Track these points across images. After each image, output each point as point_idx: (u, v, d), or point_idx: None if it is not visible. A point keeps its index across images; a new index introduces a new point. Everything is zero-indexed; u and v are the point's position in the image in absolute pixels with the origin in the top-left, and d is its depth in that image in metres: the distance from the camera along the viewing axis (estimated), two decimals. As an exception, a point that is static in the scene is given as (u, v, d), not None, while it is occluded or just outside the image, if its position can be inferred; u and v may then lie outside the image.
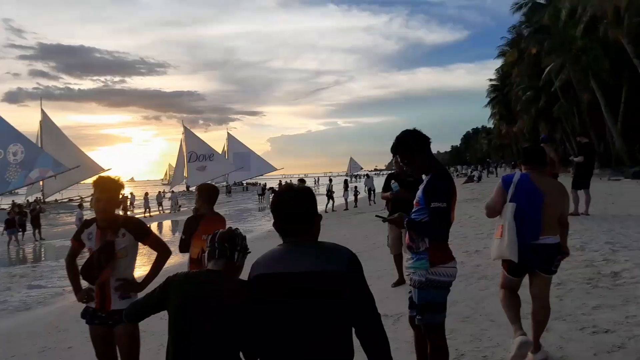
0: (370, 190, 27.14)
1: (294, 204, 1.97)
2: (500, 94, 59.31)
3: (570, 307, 4.56)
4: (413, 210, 3.16)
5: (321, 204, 28.11)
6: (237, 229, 2.31)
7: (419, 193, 3.14)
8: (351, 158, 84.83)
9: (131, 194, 38.66)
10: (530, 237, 3.40)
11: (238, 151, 78.94)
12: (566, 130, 40.86)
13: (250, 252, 2.27)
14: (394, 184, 6.51)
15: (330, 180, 28.52)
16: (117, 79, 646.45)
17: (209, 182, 8.08)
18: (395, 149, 3.22)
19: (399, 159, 3.36)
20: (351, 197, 26.69)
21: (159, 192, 38.90)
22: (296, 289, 1.84)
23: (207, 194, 4.62)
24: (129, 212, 31.86)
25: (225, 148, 77.82)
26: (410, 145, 3.12)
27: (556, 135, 42.12)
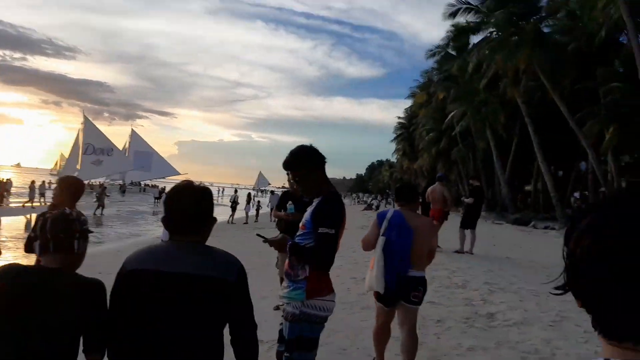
0: (273, 208, 26.77)
1: (189, 201, 1.88)
2: (406, 132, 62.58)
3: (446, 347, 4.52)
4: (298, 234, 2.89)
5: (223, 215, 27.36)
6: (71, 211, 1.91)
7: (306, 215, 2.87)
8: (260, 172, 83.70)
9: (8, 179, 34.61)
10: (399, 270, 3.57)
11: (140, 150, 74.84)
12: (461, 173, 43.87)
13: (92, 232, 2.00)
14: (290, 205, 6.21)
15: (236, 191, 27.77)
16: (17, 55, 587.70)
17: (75, 175, 6.98)
18: (288, 165, 2.91)
19: (290, 177, 3.07)
20: (253, 211, 26.14)
21: (43, 181, 35.30)
22: (175, 290, 1.73)
23: (71, 188, 3.98)
24: (4, 199, 28.49)
25: (127, 145, 73.42)
26: (305, 161, 2.86)
27: (452, 176, 45.05)
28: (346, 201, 57.78)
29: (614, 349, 0.62)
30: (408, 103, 61.94)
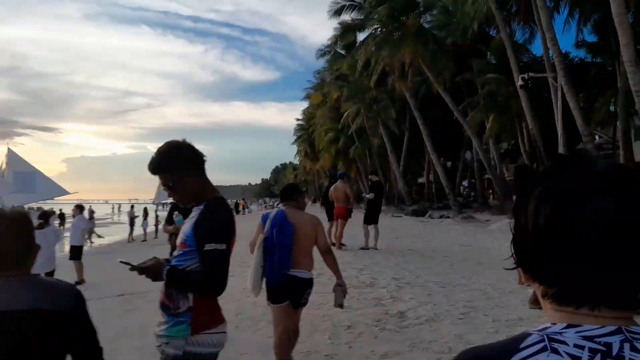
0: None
1: (4, 233, 1.69)
2: (306, 133, 63.17)
3: (359, 356, 4.18)
4: (176, 254, 2.28)
5: (122, 233, 25.20)
6: None
7: (185, 229, 2.27)
8: (160, 185, 79.47)
9: None
10: (281, 267, 3.49)
11: (20, 170, 67.37)
12: (360, 170, 45.10)
13: None
14: (177, 216, 5.55)
15: (132, 207, 25.64)
16: None
17: None
18: (154, 167, 2.30)
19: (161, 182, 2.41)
20: (151, 227, 24.31)
21: None
22: (9, 330, 1.59)
23: None
24: None
25: (3, 166, 65.71)
26: (176, 161, 2.26)
27: (352, 174, 46.16)
28: (254, 207, 56.74)
29: (562, 315, 0.62)
30: (305, 104, 62.58)
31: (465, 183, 40.04)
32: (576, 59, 26.38)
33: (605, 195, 0.60)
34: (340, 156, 45.35)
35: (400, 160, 34.26)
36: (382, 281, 7.27)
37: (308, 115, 60.13)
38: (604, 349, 0.57)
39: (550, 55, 16.97)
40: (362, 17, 28.80)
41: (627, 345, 0.57)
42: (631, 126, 21.85)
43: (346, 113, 35.72)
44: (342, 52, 38.07)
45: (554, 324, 0.62)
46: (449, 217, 24.00)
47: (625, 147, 19.57)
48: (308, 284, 3.63)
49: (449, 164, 37.97)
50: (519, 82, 16.78)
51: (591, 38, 24.24)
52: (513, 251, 0.68)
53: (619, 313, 0.61)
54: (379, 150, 37.99)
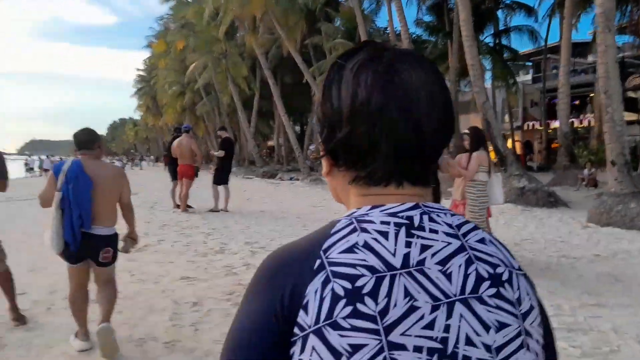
0: None
1: None
2: (148, 86, 58.09)
3: (208, 342, 3.46)
4: None
5: None
6: None
7: None
8: None
9: None
10: (79, 226, 3.18)
11: None
12: (208, 129, 43.13)
13: None
14: None
15: None
16: None
17: None
18: None
19: None
20: None
21: None
22: None
23: None
24: None
25: None
26: None
27: (200, 132, 43.93)
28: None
29: (367, 199, 0.64)
30: (147, 53, 57.24)
31: (312, 147, 41.05)
32: (413, 36, 28.28)
33: (415, 67, 0.63)
34: (186, 113, 42.68)
35: (250, 120, 33.40)
36: (234, 246, 6.59)
37: (150, 65, 55.19)
38: (407, 222, 0.61)
39: (396, 27, 17.64)
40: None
41: (425, 217, 0.62)
42: (458, 100, 24.36)
43: (192, 66, 33.28)
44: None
45: (359, 208, 0.64)
46: (298, 180, 24.21)
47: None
48: (108, 240, 3.34)
49: (297, 128, 38.37)
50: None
51: (428, 17, 26.05)
52: (320, 140, 0.67)
53: (417, 190, 0.65)
54: (229, 109, 36.57)
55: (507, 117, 32.45)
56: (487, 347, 0.57)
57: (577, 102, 28.10)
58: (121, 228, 3.53)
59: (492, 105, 16.99)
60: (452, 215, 0.65)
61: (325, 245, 0.59)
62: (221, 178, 10.25)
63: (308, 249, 0.60)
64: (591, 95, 29.54)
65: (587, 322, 3.76)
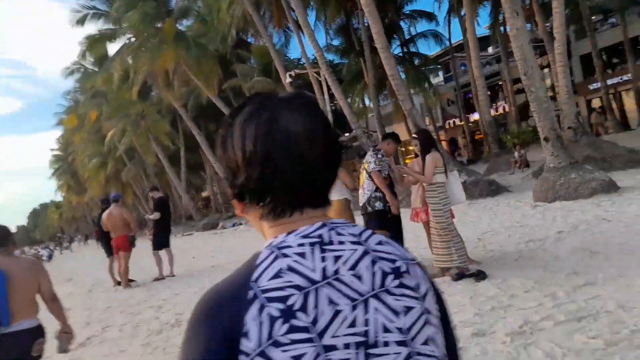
0: None
1: None
2: (65, 163, 55.05)
3: None
4: None
5: None
6: None
7: None
8: None
9: None
10: None
11: None
12: (137, 194, 41.23)
13: None
14: None
15: None
16: None
17: None
18: None
19: None
20: None
21: None
22: None
23: None
24: None
25: None
26: None
27: (129, 199, 41.89)
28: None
29: (280, 228, 0.72)
30: (59, 132, 54.38)
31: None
32: (327, 61, 28.76)
33: (293, 112, 0.72)
34: (111, 182, 40.60)
35: (180, 175, 32.24)
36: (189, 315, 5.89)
37: (64, 142, 52.44)
38: (319, 239, 0.69)
39: (311, 54, 17.51)
40: (110, 26, 25.78)
41: (333, 232, 0.71)
42: (382, 114, 24.82)
43: (110, 134, 31.88)
44: (94, 68, 33.94)
45: (276, 237, 0.71)
46: (242, 224, 23.41)
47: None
48: (37, 333, 3.06)
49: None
50: (287, 80, 16.98)
51: (337, 41, 26.58)
52: (228, 185, 0.75)
53: (318, 212, 0.73)
54: (156, 168, 35.17)
55: (427, 120, 33.55)
56: (400, 330, 0.68)
57: (489, 93, 29.62)
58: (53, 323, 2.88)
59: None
60: (353, 226, 0.74)
61: (254, 276, 0.66)
62: (161, 242, 9.44)
63: (240, 283, 0.66)
64: (500, 83, 31.39)
65: (591, 305, 3.50)
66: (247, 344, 0.62)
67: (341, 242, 0.70)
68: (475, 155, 29.80)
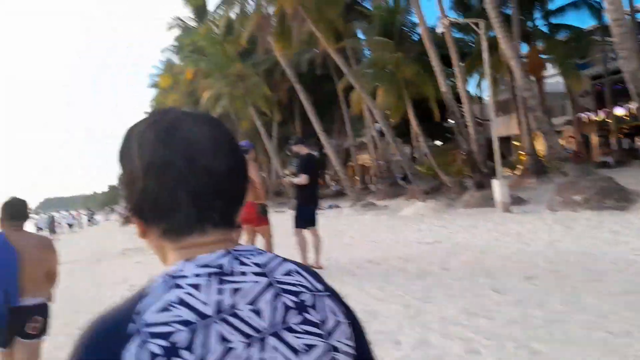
0: None
1: None
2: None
3: None
4: None
5: None
6: None
7: None
8: None
9: None
10: (8, 302, 2.99)
11: None
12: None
13: None
14: None
15: None
16: None
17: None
18: None
19: None
20: None
21: None
22: None
23: None
24: None
25: None
26: None
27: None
28: (99, 217, 47.77)
29: (180, 253, 0.67)
30: (153, 92, 54.56)
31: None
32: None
33: (195, 122, 0.68)
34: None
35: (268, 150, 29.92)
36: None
37: (158, 104, 52.42)
38: (218, 269, 0.64)
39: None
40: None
41: (235, 262, 0.65)
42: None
43: (205, 94, 30.04)
44: (195, 24, 32.37)
45: (174, 264, 0.65)
46: (338, 207, 20.63)
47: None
48: (38, 309, 3.09)
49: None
50: (440, 29, 13.61)
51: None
52: (127, 202, 0.71)
53: (221, 234, 0.68)
54: (246, 137, 33.20)
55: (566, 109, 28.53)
56: None
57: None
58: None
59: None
60: (261, 254, 0.68)
61: (138, 308, 0.60)
62: (306, 217, 6.57)
63: (123, 314, 0.61)
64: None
65: None
66: None
67: (243, 273, 0.65)
68: (623, 156, 24.69)
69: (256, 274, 0.65)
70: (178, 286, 0.62)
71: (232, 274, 0.64)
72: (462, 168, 22.43)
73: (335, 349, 0.66)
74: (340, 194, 25.63)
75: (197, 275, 0.63)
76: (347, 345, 0.68)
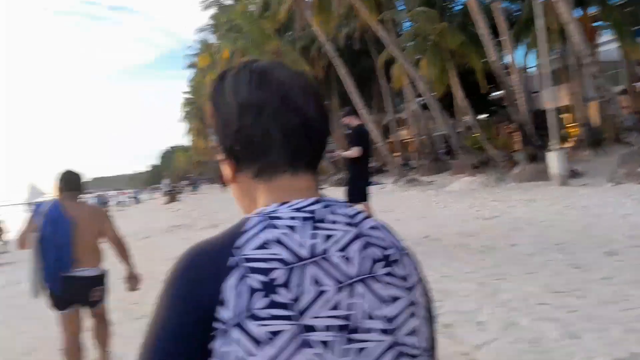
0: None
1: None
2: (195, 108, 55.90)
3: None
4: None
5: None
6: None
7: None
8: (31, 183, 65.79)
9: None
10: (61, 269, 3.09)
11: None
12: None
13: None
14: None
15: None
16: None
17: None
18: None
19: None
20: None
21: None
22: None
23: None
24: None
25: None
26: None
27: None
28: (144, 196, 49.21)
29: (274, 196, 0.68)
30: (191, 73, 55.03)
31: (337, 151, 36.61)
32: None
33: (283, 69, 0.71)
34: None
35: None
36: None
37: (196, 85, 52.87)
38: (312, 215, 0.66)
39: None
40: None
41: (327, 210, 0.67)
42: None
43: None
44: (230, 1, 32.07)
45: (268, 206, 0.67)
46: (380, 183, 20.16)
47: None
48: (96, 281, 3.23)
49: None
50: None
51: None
52: (220, 145, 0.72)
53: (310, 178, 0.71)
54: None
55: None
56: (385, 318, 0.64)
57: None
58: None
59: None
60: (347, 207, 0.70)
61: (238, 243, 0.62)
62: (357, 192, 6.26)
63: (221, 248, 0.63)
64: None
65: None
66: (223, 313, 0.59)
67: (334, 222, 0.66)
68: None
69: (346, 224, 0.66)
70: (274, 226, 0.63)
71: (323, 221, 0.65)
72: (509, 141, 21.48)
73: (415, 303, 0.68)
74: (380, 171, 25.15)
75: (292, 217, 0.64)
76: (423, 301, 0.70)
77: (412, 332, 0.67)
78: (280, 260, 0.61)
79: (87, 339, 3.32)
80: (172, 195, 30.36)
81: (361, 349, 0.62)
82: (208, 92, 0.74)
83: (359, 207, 5.46)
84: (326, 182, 24.76)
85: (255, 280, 0.60)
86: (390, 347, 0.64)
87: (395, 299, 0.66)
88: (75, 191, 3.34)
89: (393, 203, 11.09)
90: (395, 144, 31.91)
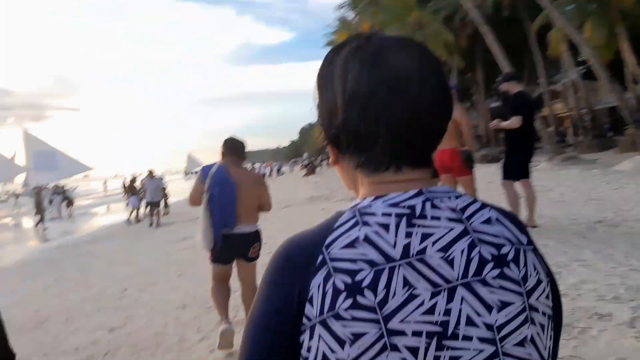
0: (152, 203, 15.09)
1: None
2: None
3: None
4: None
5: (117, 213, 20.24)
6: None
7: None
8: (189, 153, 72.57)
9: None
10: (225, 226, 3.39)
11: (39, 150, 63.11)
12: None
13: None
14: None
15: (134, 179, 20.03)
16: None
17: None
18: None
19: None
20: (141, 206, 17.08)
21: None
22: None
23: None
24: None
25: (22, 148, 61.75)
26: None
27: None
28: (286, 169, 52.38)
29: (371, 188, 0.65)
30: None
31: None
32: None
33: (402, 51, 0.65)
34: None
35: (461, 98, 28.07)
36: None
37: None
38: (409, 211, 0.61)
39: None
40: None
41: (428, 204, 0.62)
42: None
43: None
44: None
45: (364, 199, 0.65)
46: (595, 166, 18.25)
47: None
48: (254, 237, 3.54)
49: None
50: None
51: None
52: (325, 131, 0.69)
53: (417, 174, 0.65)
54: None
55: None
56: (488, 326, 0.59)
57: None
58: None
59: None
60: (457, 197, 0.64)
61: (327, 241, 0.61)
62: (516, 167, 5.61)
63: (312, 244, 0.62)
64: None
65: None
66: (310, 309, 0.59)
67: (435, 217, 0.61)
68: None
69: (450, 219, 0.62)
70: (366, 224, 0.61)
71: (423, 217, 0.61)
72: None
73: (533, 309, 0.62)
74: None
75: (387, 214, 0.61)
76: (546, 305, 0.64)
77: (524, 342, 0.60)
78: (368, 261, 0.59)
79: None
80: (311, 168, 31.44)
81: (455, 358, 0.57)
82: (317, 76, 0.69)
83: (517, 185, 4.90)
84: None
85: (340, 280, 0.58)
86: (490, 358, 0.58)
87: (505, 304, 0.60)
88: (238, 157, 3.58)
89: (551, 182, 9.93)
90: (548, 118, 28.94)
